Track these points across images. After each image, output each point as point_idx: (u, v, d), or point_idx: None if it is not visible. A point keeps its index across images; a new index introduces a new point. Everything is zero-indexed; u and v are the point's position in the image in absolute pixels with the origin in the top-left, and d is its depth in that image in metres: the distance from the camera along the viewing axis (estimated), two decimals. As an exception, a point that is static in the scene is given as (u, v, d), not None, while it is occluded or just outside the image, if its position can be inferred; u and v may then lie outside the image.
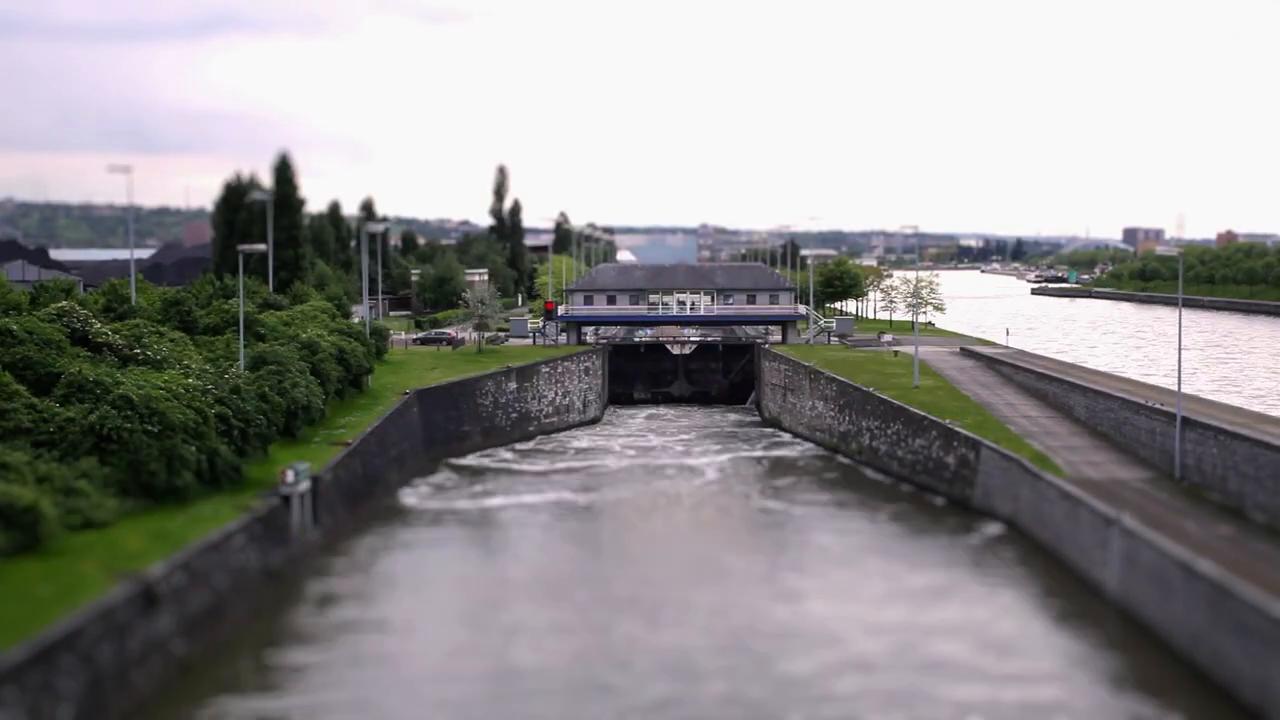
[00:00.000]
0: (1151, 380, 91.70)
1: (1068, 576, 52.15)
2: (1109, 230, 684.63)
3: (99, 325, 65.03)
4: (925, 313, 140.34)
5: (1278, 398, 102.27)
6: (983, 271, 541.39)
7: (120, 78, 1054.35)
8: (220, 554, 45.44)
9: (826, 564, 56.60)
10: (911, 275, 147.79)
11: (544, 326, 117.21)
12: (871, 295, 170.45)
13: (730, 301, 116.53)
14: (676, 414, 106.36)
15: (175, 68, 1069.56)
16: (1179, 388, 60.70)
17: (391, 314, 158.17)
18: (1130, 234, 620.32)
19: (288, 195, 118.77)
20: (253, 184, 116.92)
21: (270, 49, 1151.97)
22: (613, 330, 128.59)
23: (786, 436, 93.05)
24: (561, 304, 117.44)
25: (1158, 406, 63.17)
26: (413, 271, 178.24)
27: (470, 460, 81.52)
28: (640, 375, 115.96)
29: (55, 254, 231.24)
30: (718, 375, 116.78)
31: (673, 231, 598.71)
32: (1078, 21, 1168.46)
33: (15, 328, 57.56)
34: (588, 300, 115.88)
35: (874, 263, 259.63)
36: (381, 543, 58.52)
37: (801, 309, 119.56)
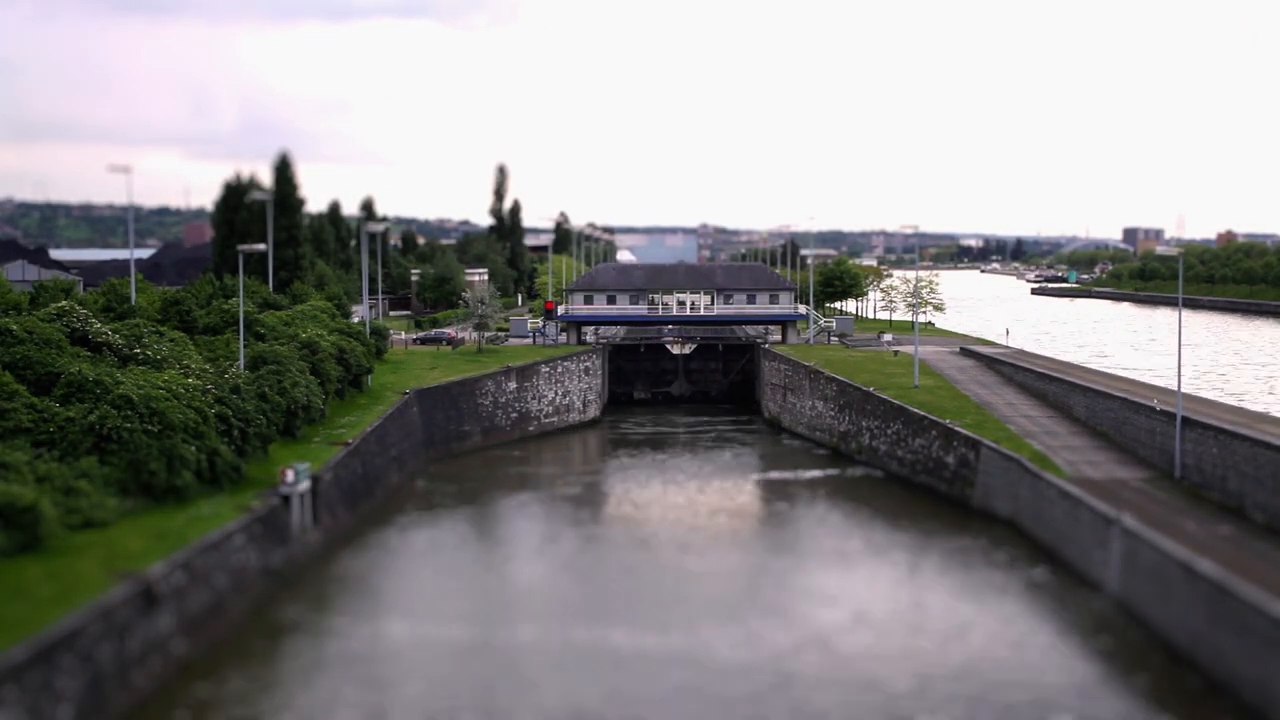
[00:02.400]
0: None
1: (1068, 576, 52.12)
2: (1109, 230, 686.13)
3: (99, 325, 64.99)
4: (925, 313, 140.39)
5: None
6: (983, 271, 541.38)
7: (273, 68, 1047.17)
8: (220, 554, 45.45)
9: (824, 565, 56.58)
10: (911, 275, 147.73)
11: (544, 326, 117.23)
12: (871, 295, 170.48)
13: (730, 301, 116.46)
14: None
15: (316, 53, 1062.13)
16: (1179, 388, 60.68)
17: (391, 314, 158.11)
18: (1130, 234, 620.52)
19: (287, 195, 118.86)
20: (253, 184, 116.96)
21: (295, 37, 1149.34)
22: (613, 330, 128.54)
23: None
24: (561, 304, 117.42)
25: (1158, 406, 63.14)
26: (413, 271, 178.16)
27: (470, 459, 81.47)
28: (640, 375, 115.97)
29: (55, 254, 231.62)
30: (718, 375, 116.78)
31: (673, 231, 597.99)
32: (1078, 21, 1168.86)
33: (15, 327, 57.57)
34: (588, 300, 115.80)
35: (874, 262, 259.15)
36: (381, 542, 58.51)
37: (801, 309, 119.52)
